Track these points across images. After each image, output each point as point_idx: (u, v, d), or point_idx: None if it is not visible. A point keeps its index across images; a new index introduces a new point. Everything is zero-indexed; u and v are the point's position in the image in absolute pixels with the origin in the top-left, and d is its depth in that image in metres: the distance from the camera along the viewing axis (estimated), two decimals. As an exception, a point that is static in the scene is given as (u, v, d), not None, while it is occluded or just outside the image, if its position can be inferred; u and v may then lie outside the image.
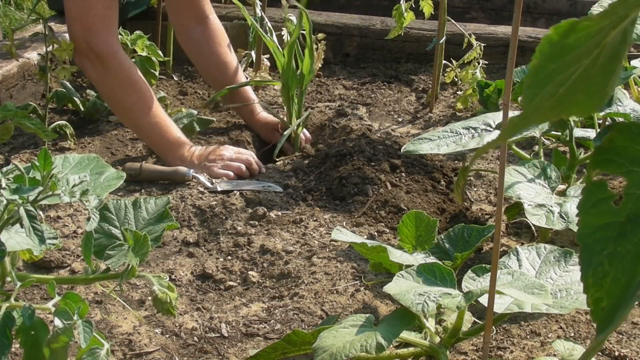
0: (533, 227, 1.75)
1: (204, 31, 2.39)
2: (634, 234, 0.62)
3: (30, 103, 2.28)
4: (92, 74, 2.09)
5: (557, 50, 0.51)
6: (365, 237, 1.73)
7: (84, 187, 1.11)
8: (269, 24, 2.49)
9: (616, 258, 0.62)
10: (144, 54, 2.50)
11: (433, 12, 2.56)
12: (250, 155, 2.15)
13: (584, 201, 0.64)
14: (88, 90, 2.51)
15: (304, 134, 2.35)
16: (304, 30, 2.37)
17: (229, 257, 1.69)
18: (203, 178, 2.00)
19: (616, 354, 1.41)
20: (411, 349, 1.33)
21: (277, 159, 2.24)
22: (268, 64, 2.67)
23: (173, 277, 1.62)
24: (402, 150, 1.83)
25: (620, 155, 0.62)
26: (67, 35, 2.64)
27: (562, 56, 0.51)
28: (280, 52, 2.27)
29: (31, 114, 2.01)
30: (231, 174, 2.05)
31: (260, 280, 1.62)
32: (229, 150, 2.12)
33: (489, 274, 1.15)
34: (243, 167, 2.08)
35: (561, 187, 1.69)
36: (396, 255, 1.35)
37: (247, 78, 2.66)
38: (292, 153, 2.28)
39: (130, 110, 2.08)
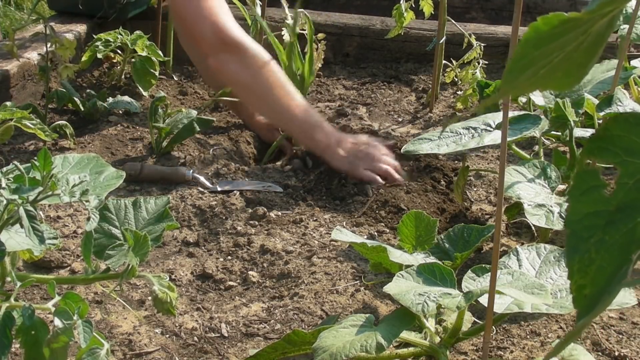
0: (533, 227, 1.75)
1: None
2: (623, 224, 0.61)
3: (30, 103, 2.28)
4: (232, 67, 2.03)
5: (542, 37, 0.51)
6: (365, 237, 1.73)
7: (84, 187, 1.11)
8: (264, 24, 2.48)
9: (603, 247, 0.62)
10: (144, 54, 2.50)
11: (433, 12, 2.56)
12: (394, 160, 2.04)
13: (574, 187, 0.64)
14: (88, 91, 2.51)
15: None
16: (304, 30, 2.37)
17: (229, 257, 1.69)
18: (203, 178, 2.00)
19: (616, 354, 1.41)
20: (411, 349, 1.33)
21: (280, 160, 2.24)
22: (268, 64, 2.66)
23: (173, 277, 1.62)
24: (402, 150, 1.83)
25: (615, 144, 0.62)
26: (67, 35, 2.65)
27: (547, 43, 0.51)
28: (284, 52, 2.26)
29: (31, 114, 2.02)
30: (379, 179, 1.94)
31: (260, 280, 1.62)
32: (378, 150, 2.01)
33: (489, 274, 1.15)
34: (391, 170, 1.97)
35: (561, 187, 1.69)
36: (396, 255, 1.35)
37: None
38: (291, 151, 2.28)
39: (272, 93, 2.03)
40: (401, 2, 2.53)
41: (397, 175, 1.97)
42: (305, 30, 2.53)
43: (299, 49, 2.27)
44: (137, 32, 2.55)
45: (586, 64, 0.54)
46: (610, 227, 0.62)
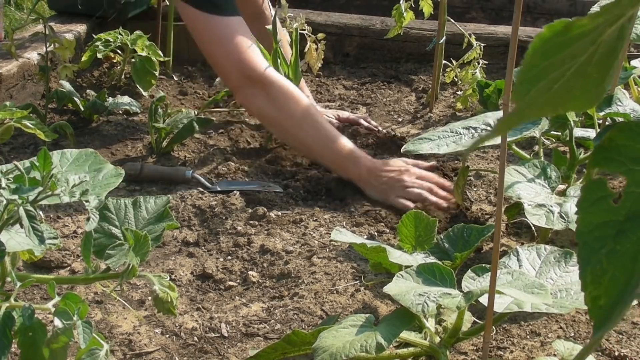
0: (533, 227, 1.74)
1: (262, 28, 2.34)
2: (633, 233, 0.62)
3: (30, 103, 2.28)
4: (258, 102, 2.05)
5: (550, 47, 0.51)
6: (365, 237, 1.73)
7: (84, 187, 1.11)
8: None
9: (615, 256, 0.62)
10: (144, 54, 2.50)
11: (433, 12, 2.56)
12: (433, 178, 1.97)
13: (583, 199, 0.64)
14: (88, 91, 2.51)
15: None
16: (303, 30, 2.37)
17: (229, 257, 1.69)
18: (203, 178, 2.00)
19: (616, 354, 1.41)
20: (411, 349, 1.33)
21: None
22: (268, 64, 2.66)
23: (173, 277, 1.62)
24: (402, 150, 1.83)
25: (620, 153, 0.62)
26: (67, 35, 2.65)
27: (555, 54, 0.51)
28: (269, 57, 2.25)
29: (31, 114, 2.01)
30: (411, 204, 1.87)
31: (260, 280, 1.62)
32: (410, 175, 1.95)
33: (489, 273, 1.14)
34: (425, 194, 1.89)
35: (561, 187, 1.69)
36: (396, 256, 1.35)
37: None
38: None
39: (301, 126, 2.03)
40: (401, 2, 2.53)
41: (432, 198, 1.89)
42: (304, 30, 2.53)
43: (299, 49, 2.27)
44: (137, 32, 2.55)
45: (602, 79, 0.54)
46: (620, 236, 0.62)
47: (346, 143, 2.01)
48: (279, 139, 2.19)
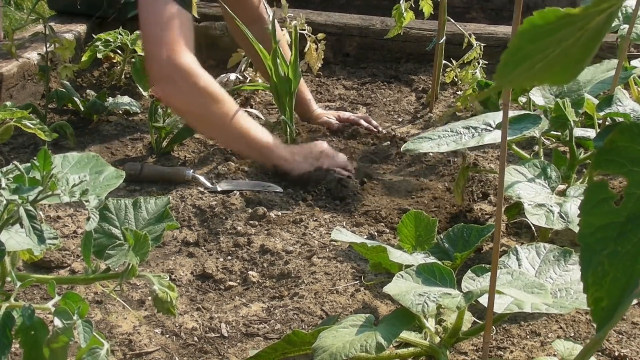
0: (533, 227, 1.74)
1: (261, 30, 2.31)
2: (633, 234, 0.62)
3: (30, 103, 2.28)
4: (179, 96, 2.03)
5: (538, 32, 0.51)
6: (365, 237, 1.73)
7: (84, 186, 1.11)
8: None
9: (616, 258, 0.62)
10: (144, 53, 2.50)
11: (433, 12, 2.56)
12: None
13: (585, 201, 0.64)
14: (88, 90, 2.51)
15: None
16: (303, 30, 2.37)
17: (229, 257, 1.69)
18: (203, 178, 2.00)
19: (616, 354, 1.41)
20: (411, 349, 1.33)
21: None
22: (268, 64, 2.66)
23: (173, 277, 1.62)
24: (402, 149, 1.83)
25: (621, 155, 0.63)
26: (67, 35, 2.65)
27: (543, 38, 0.51)
28: (269, 58, 2.24)
29: (31, 114, 2.01)
30: (344, 172, 2.08)
31: (260, 280, 1.62)
32: (324, 145, 2.15)
33: (489, 273, 1.14)
34: (348, 164, 2.12)
35: (561, 187, 1.69)
36: (396, 256, 1.35)
37: (247, 78, 2.66)
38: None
39: (222, 120, 2.05)
40: (401, 2, 2.53)
41: (350, 166, 2.11)
42: (304, 30, 2.53)
43: (299, 49, 2.27)
44: (137, 32, 2.54)
45: (583, 59, 0.54)
46: (621, 238, 0.62)
47: (266, 133, 2.10)
48: (200, 132, 2.21)
